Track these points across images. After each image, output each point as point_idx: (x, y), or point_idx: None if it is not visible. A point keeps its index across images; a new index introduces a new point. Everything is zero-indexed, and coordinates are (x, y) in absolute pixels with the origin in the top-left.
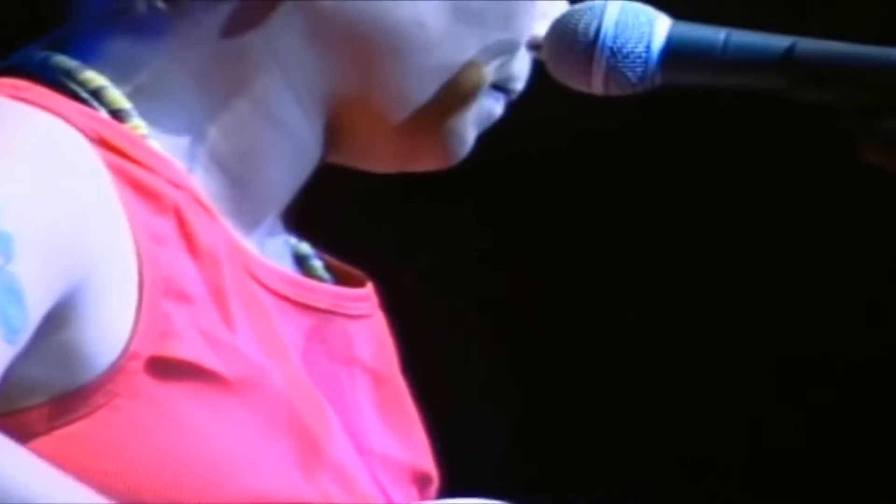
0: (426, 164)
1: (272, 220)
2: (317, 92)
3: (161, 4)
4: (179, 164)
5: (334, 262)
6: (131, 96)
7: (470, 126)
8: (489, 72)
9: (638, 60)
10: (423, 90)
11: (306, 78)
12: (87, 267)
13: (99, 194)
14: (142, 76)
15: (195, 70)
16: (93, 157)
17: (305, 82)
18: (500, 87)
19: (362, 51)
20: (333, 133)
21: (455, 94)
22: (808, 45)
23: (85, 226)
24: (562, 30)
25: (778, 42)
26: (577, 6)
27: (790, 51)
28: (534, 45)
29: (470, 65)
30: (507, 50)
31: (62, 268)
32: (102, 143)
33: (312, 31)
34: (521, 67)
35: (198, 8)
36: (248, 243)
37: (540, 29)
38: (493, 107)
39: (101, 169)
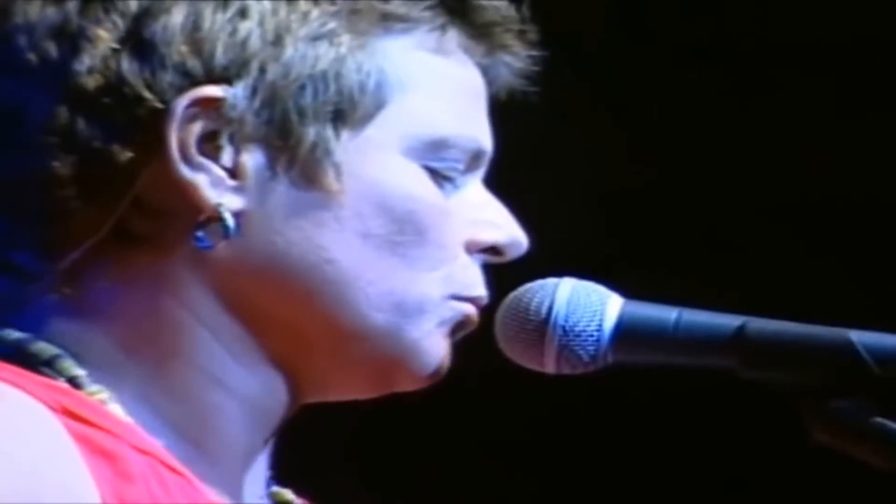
0: (404, 384)
1: (254, 471)
2: (253, 346)
3: (67, 290)
4: (142, 428)
5: None
6: (82, 364)
7: (438, 339)
8: (431, 285)
9: (590, 339)
10: (361, 320)
11: (235, 334)
12: None
13: (67, 470)
14: (83, 347)
15: (125, 340)
16: (59, 432)
17: (237, 338)
18: (460, 296)
19: (281, 300)
20: (301, 377)
21: (401, 314)
22: (759, 325)
23: None
24: (514, 308)
25: (729, 322)
26: (530, 285)
27: (740, 331)
28: (483, 249)
29: (404, 284)
30: (437, 263)
31: None
32: (66, 412)
33: (222, 287)
34: (469, 274)
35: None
36: (225, 500)
37: (481, 234)
38: (460, 315)
39: (68, 442)
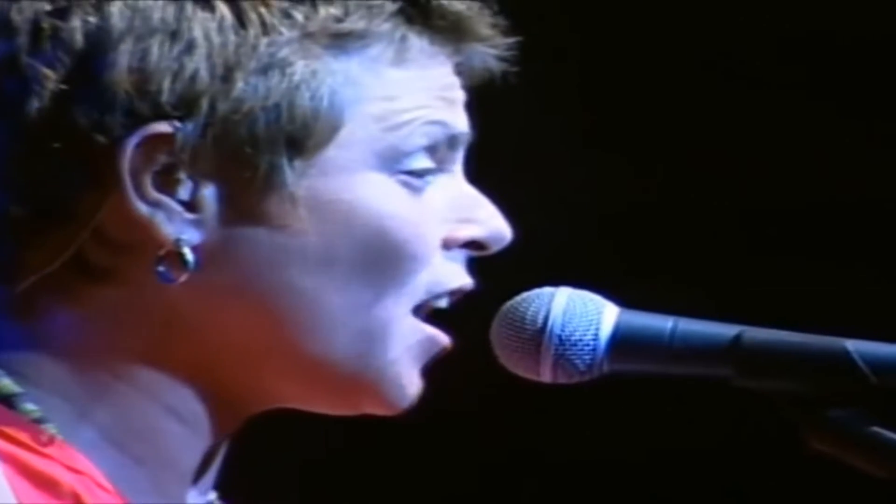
0: (371, 410)
1: (198, 487)
2: (209, 373)
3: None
4: (76, 447)
5: None
6: (19, 382)
7: (406, 368)
8: (398, 304)
9: (586, 349)
10: (326, 347)
11: (190, 362)
12: None
13: None
14: (29, 368)
15: (74, 364)
16: None
17: (191, 366)
18: (428, 298)
19: (243, 329)
20: (259, 398)
21: (367, 339)
22: (754, 334)
23: None
24: (510, 317)
25: (725, 331)
26: (526, 294)
27: (737, 340)
28: (463, 244)
29: (370, 307)
30: (408, 276)
31: None
32: None
33: (181, 318)
34: (445, 270)
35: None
36: None
37: (458, 230)
38: (427, 341)
39: None
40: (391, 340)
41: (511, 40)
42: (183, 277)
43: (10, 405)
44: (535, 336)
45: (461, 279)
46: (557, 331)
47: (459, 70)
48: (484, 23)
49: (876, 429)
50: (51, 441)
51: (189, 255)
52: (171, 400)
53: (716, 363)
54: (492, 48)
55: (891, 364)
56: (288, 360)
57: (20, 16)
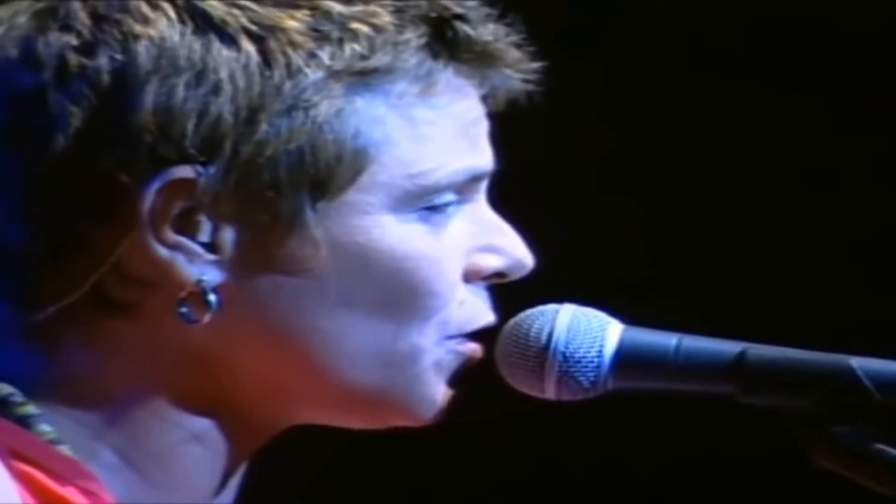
0: (398, 423)
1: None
2: (229, 403)
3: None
4: (92, 468)
5: None
6: (35, 404)
7: (432, 383)
8: (423, 335)
9: (590, 366)
10: (350, 380)
11: (211, 394)
12: None
13: None
14: (38, 387)
15: (92, 392)
16: (3, 477)
17: (212, 398)
18: (458, 334)
19: (264, 365)
20: (282, 422)
21: (391, 368)
22: (759, 351)
23: None
24: (514, 334)
25: (729, 348)
26: (530, 311)
27: (741, 357)
28: (491, 276)
29: (393, 341)
30: (432, 312)
31: None
32: (11, 452)
33: (200, 354)
34: (467, 310)
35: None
36: None
37: (480, 262)
38: (458, 356)
39: (8, 482)
40: (417, 363)
41: (536, 64)
42: (206, 318)
43: (26, 426)
44: (539, 353)
45: (486, 317)
46: (561, 348)
47: (484, 97)
48: (510, 49)
49: (880, 446)
50: (65, 462)
51: (212, 296)
52: (191, 426)
53: (720, 380)
54: (518, 73)
55: (895, 381)
56: (314, 389)
57: (47, 50)
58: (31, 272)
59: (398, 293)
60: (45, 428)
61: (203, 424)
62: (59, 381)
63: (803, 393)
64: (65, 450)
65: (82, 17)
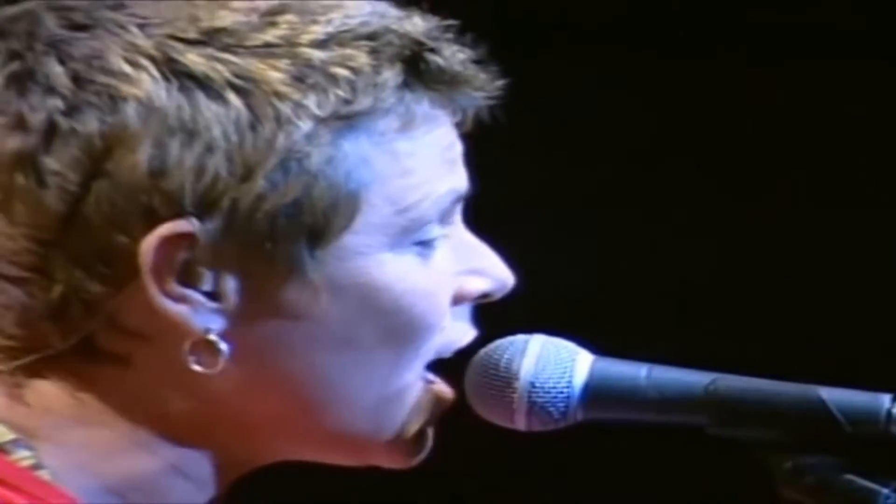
0: (380, 462)
1: None
2: (213, 441)
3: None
4: (71, 493)
5: None
6: (13, 430)
7: (418, 431)
8: (414, 369)
9: (560, 396)
10: (345, 420)
11: (198, 433)
12: None
13: None
14: (17, 415)
15: (74, 428)
16: None
17: (197, 436)
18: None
19: (259, 408)
20: (268, 457)
21: (383, 403)
22: (729, 382)
23: None
24: (484, 365)
25: (698, 379)
26: (500, 341)
27: (711, 388)
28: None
29: (388, 377)
30: (425, 343)
31: None
32: None
33: (194, 399)
34: (453, 334)
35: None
36: None
37: (467, 287)
38: (436, 400)
39: None
40: (404, 406)
41: (501, 82)
42: (220, 366)
43: (4, 452)
44: (509, 383)
45: (468, 335)
46: (531, 378)
47: (457, 123)
48: (477, 74)
49: (850, 477)
50: (44, 488)
51: (223, 345)
52: (175, 460)
53: (690, 411)
54: (484, 93)
55: (865, 412)
56: (304, 432)
57: (34, 114)
58: (21, 324)
59: (397, 329)
60: (23, 453)
61: (186, 456)
62: (39, 416)
63: (773, 423)
64: (44, 475)
65: (64, 80)
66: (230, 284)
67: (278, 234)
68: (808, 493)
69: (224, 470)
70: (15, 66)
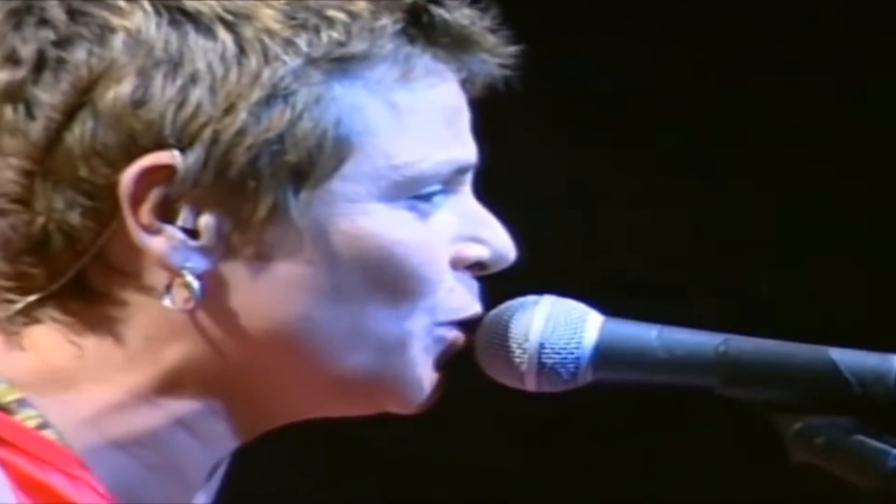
0: (392, 409)
1: (206, 490)
2: (216, 389)
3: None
4: (78, 453)
5: None
6: (19, 389)
7: (424, 369)
8: (413, 320)
9: (570, 357)
10: (342, 366)
11: (194, 378)
12: None
13: None
14: (22, 373)
15: (74, 377)
16: None
17: (196, 383)
18: (447, 321)
19: (253, 354)
20: (274, 412)
21: (383, 353)
22: (740, 343)
23: None
24: (494, 326)
25: (710, 340)
26: (510, 302)
27: (722, 349)
28: (473, 265)
29: (384, 325)
30: (421, 297)
31: None
32: None
33: (185, 341)
34: (455, 298)
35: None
36: None
37: (465, 251)
38: (445, 343)
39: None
40: (407, 348)
41: (514, 48)
42: (189, 306)
43: (9, 412)
44: (519, 344)
45: (469, 310)
46: (541, 339)
47: (464, 84)
48: (487, 33)
49: (860, 437)
50: (50, 447)
51: (194, 283)
52: (181, 414)
53: (701, 372)
54: (495, 58)
55: (876, 373)
56: (306, 378)
57: (25, 46)
58: (10, 263)
59: (388, 279)
60: (29, 412)
61: (191, 411)
62: (42, 369)
63: (783, 385)
64: (50, 434)
65: (58, 13)
66: (211, 223)
67: (261, 172)
68: (818, 455)
69: (232, 427)
70: (16, 2)
